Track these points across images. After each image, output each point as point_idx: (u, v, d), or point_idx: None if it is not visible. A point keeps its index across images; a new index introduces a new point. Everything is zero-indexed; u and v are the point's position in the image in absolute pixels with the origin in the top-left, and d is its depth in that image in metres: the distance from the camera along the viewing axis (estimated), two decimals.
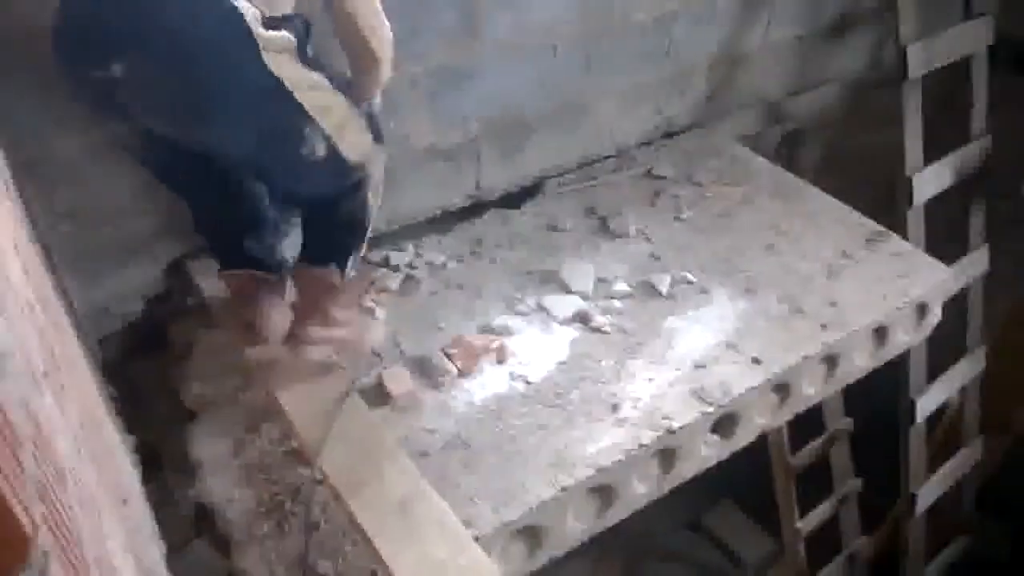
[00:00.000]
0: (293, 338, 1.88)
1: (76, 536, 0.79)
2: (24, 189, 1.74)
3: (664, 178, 2.64)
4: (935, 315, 2.42)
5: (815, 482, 3.17)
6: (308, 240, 1.84)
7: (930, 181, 2.91)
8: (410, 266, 2.29)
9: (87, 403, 1.40)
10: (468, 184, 2.48)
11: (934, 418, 3.22)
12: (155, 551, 1.52)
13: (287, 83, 1.51)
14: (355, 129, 1.65)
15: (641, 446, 1.86)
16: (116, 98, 1.53)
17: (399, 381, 1.95)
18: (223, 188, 1.73)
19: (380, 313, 2.17)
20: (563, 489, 1.79)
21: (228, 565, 1.69)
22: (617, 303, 2.20)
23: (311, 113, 1.55)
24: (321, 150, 1.60)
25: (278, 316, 1.90)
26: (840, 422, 3.16)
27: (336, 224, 1.81)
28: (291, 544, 1.64)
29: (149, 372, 2.13)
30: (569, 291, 2.22)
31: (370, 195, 1.78)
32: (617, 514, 1.93)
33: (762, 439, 2.21)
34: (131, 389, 2.11)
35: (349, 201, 1.76)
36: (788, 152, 3.28)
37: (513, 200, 2.56)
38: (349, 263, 1.85)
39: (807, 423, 2.56)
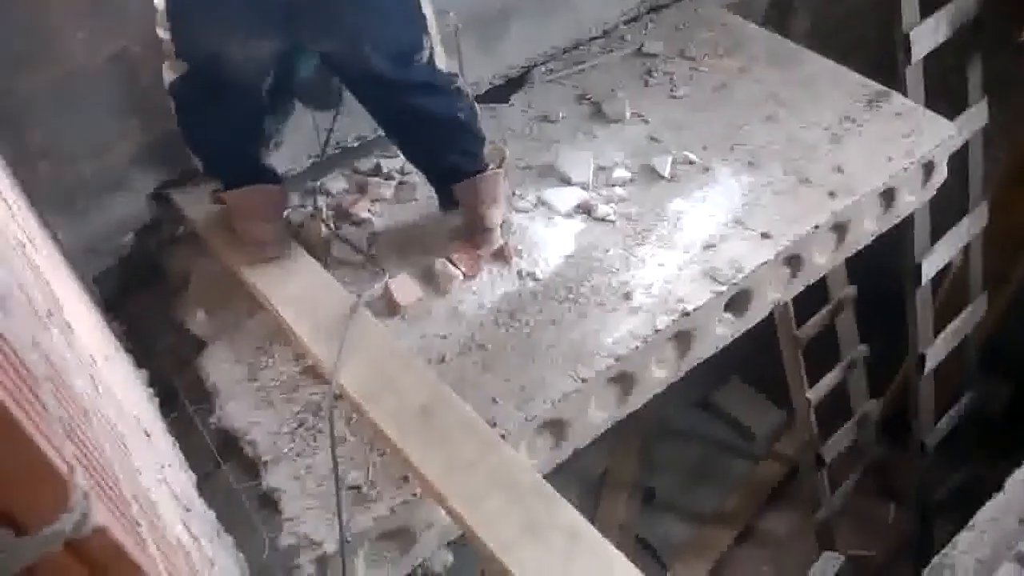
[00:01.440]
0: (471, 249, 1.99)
1: (111, 474, 0.77)
2: None
3: (655, 55, 2.53)
4: (941, 173, 2.38)
5: (819, 351, 3.20)
6: (446, 160, 1.93)
7: (927, 35, 2.81)
8: (402, 172, 2.22)
9: (96, 340, 1.36)
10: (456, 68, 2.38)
11: (938, 278, 3.23)
12: (186, 481, 1.52)
13: None
14: (439, 42, 1.81)
15: (657, 331, 1.85)
16: (284, 16, 1.59)
17: (406, 290, 1.92)
18: (239, 110, 1.78)
19: (377, 222, 2.11)
20: (583, 381, 1.78)
21: (258, 486, 1.69)
22: (619, 190, 2.14)
23: (429, 25, 1.74)
24: (426, 57, 1.76)
25: (283, 228, 1.95)
26: (844, 290, 3.16)
27: (460, 133, 1.90)
28: (320, 459, 1.64)
29: (149, 305, 2.09)
30: (569, 182, 2.16)
31: (476, 103, 1.94)
32: (637, 400, 1.94)
33: (767, 314, 2.21)
34: (134, 324, 2.07)
35: (460, 109, 1.87)
36: (778, 17, 3.15)
37: (501, 94, 2.47)
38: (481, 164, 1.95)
39: (809, 293, 2.56)
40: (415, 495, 1.62)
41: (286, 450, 1.67)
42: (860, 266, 2.85)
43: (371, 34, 1.68)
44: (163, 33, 1.73)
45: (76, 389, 0.83)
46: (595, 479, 3.94)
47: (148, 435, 1.32)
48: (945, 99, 2.96)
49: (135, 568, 0.66)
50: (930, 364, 3.28)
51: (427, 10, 1.75)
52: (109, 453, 0.82)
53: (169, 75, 1.76)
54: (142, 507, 0.84)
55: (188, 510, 1.27)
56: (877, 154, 2.21)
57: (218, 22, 1.64)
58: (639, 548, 3.76)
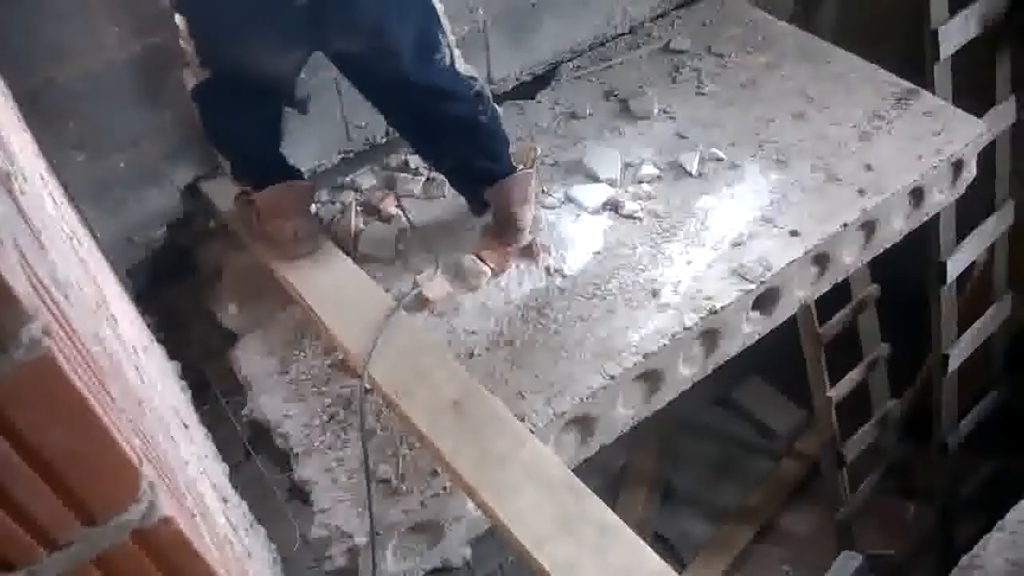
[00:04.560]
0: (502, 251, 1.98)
1: (167, 465, 0.78)
2: (30, 122, 1.68)
3: (683, 52, 2.53)
4: (970, 171, 2.36)
5: (841, 350, 3.19)
6: (473, 166, 1.92)
7: (956, 32, 2.78)
8: (430, 168, 2.22)
9: (134, 331, 1.38)
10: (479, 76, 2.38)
11: (963, 277, 3.21)
12: (219, 471, 1.54)
13: None
14: (457, 45, 1.82)
15: (685, 329, 1.85)
16: (309, 21, 1.59)
17: (435, 286, 1.93)
18: (264, 112, 1.81)
19: (404, 218, 2.12)
20: (611, 378, 1.79)
21: (288, 478, 1.71)
22: (647, 187, 2.14)
23: (443, 23, 1.74)
24: (447, 60, 1.76)
25: (314, 223, 1.98)
26: (867, 289, 3.15)
27: (485, 137, 1.90)
28: (350, 452, 1.66)
29: (181, 298, 2.12)
30: (596, 179, 2.17)
31: (497, 106, 1.95)
32: (663, 397, 1.94)
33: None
34: (165, 316, 2.10)
35: (482, 113, 1.86)
36: (805, 13, 3.13)
37: (528, 90, 2.47)
38: (509, 166, 1.94)
39: (831, 292, 2.55)
40: (445, 489, 1.63)
41: (317, 443, 1.69)
42: (882, 264, 2.84)
43: (392, 27, 1.68)
44: (186, 45, 1.73)
45: (131, 380, 0.85)
46: (614, 475, 3.95)
47: (186, 426, 1.34)
48: (972, 95, 2.93)
49: (197, 558, 0.67)
50: (953, 364, 3.26)
51: (438, 6, 1.75)
52: (162, 444, 0.83)
53: (190, 80, 1.77)
54: (193, 498, 0.86)
55: (226, 501, 1.29)
56: (907, 152, 2.20)
57: (245, 37, 1.65)
58: (657, 544, 3.77)
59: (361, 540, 1.56)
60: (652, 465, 3.94)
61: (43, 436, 0.52)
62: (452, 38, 1.80)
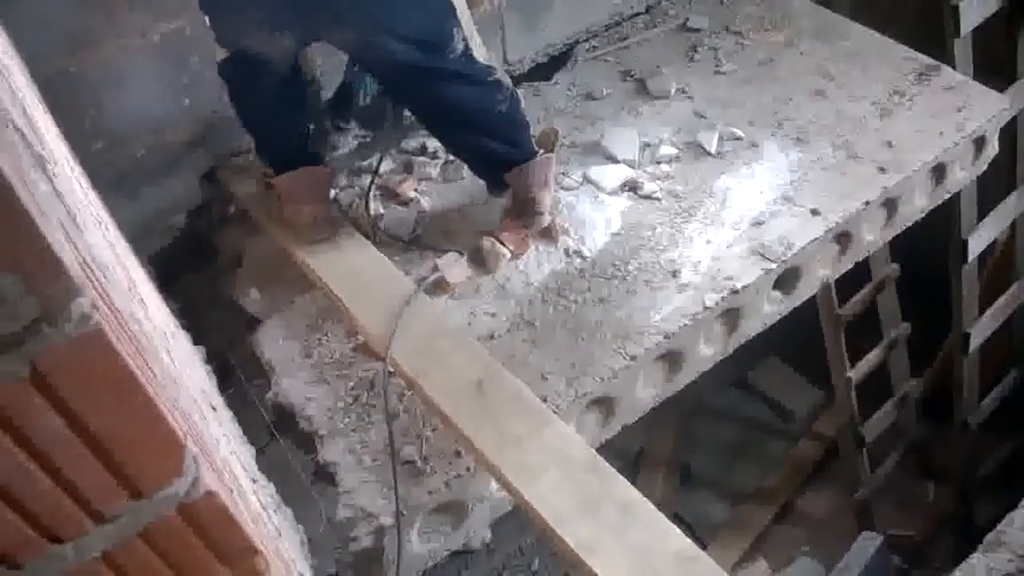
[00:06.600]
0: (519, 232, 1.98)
1: (205, 442, 0.79)
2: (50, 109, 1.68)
3: (700, 30, 2.51)
4: (992, 147, 2.34)
5: (859, 330, 3.17)
6: (493, 152, 1.90)
7: (976, 7, 2.74)
8: (447, 151, 2.22)
9: (162, 316, 1.39)
10: (495, 60, 2.37)
11: (984, 255, 3.18)
12: (247, 453, 1.56)
13: None
14: (477, 34, 1.79)
15: (706, 309, 1.85)
16: (294, 7, 1.60)
17: (455, 269, 1.93)
18: (275, 95, 1.79)
19: (424, 202, 2.13)
20: (632, 358, 1.79)
21: (314, 460, 1.73)
22: (665, 167, 2.14)
23: (459, 17, 1.71)
24: (460, 48, 1.72)
25: (332, 209, 1.97)
26: (887, 268, 3.12)
27: (503, 126, 1.88)
28: (374, 434, 1.67)
29: (201, 284, 2.13)
30: (615, 160, 2.16)
31: (517, 91, 1.90)
32: (685, 378, 1.95)
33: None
34: (187, 303, 2.11)
35: (501, 102, 1.83)
36: None
37: (544, 71, 2.46)
38: (529, 151, 1.93)
39: (849, 272, 2.53)
40: (468, 469, 1.64)
41: (341, 425, 1.70)
42: (901, 243, 2.82)
43: (385, 23, 1.65)
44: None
45: (164, 360, 0.86)
46: (632, 457, 3.95)
47: (214, 408, 1.35)
48: (991, 71, 2.89)
49: (239, 531, 0.68)
50: (974, 343, 3.24)
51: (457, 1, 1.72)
52: (199, 423, 0.84)
53: (219, 55, 1.78)
54: (228, 475, 0.87)
55: (255, 481, 1.31)
56: (928, 129, 2.18)
57: (236, 16, 1.66)
58: (676, 525, 3.77)
59: (386, 521, 1.57)
60: (670, 448, 3.94)
61: (93, 410, 0.53)
62: (472, 29, 1.77)
